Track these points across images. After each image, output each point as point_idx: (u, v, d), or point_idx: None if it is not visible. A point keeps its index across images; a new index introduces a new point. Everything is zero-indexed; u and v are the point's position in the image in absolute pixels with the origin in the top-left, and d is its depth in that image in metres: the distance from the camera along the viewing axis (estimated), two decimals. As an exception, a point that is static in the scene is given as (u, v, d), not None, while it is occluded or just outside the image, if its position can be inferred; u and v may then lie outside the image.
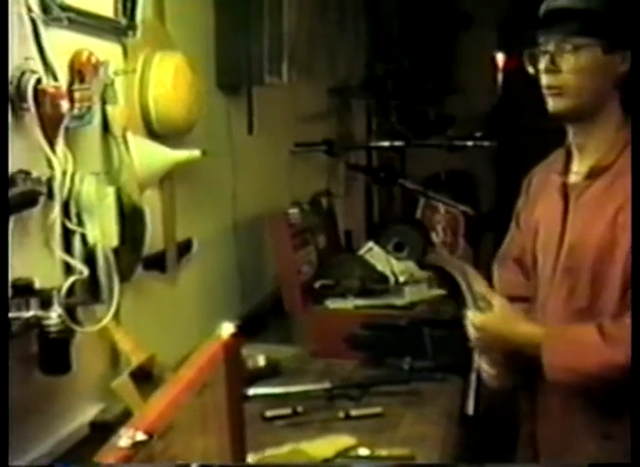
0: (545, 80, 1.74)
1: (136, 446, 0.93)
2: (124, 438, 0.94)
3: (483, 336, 1.80)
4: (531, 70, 1.77)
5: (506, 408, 2.00)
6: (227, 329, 1.41)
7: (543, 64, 1.73)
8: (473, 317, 1.80)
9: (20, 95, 1.54)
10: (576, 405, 1.75)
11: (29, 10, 1.57)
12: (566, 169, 1.83)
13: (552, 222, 1.81)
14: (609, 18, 1.70)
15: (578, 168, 1.80)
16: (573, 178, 1.81)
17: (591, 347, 1.66)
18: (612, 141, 1.74)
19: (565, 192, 1.80)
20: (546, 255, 1.83)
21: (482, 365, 1.89)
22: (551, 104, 1.74)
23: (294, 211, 2.85)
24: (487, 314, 1.79)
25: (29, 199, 1.58)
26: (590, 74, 1.70)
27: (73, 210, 1.71)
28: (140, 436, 0.95)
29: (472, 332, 1.81)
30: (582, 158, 1.80)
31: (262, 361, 2.37)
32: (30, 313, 1.56)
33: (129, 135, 1.90)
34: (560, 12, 1.72)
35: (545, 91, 1.75)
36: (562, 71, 1.71)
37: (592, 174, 1.75)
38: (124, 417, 1.59)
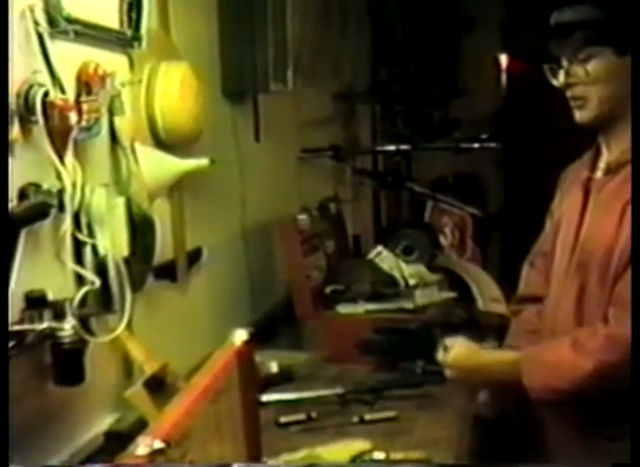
0: (567, 93, 1.76)
1: (154, 453, 0.94)
2: (142, 446, 0.94)
3: (458, 373, 1.84)
4: (555, 83, 1.78)
5: (520, 409, 1.99)
6: (239, 336, 1.41)
7: (561, 78, 1.74)
8: (442, 358, 1.84)
9: (29, 108, 1.54)
10: (577, 408, 1.75)
11: (36, 23, 1.58)
12: (594, 165, 1.84)
13: (572, 217, 1.82)
14: (615, 24, 1.70)
15: (603, 165, 1.82)
16: (598, 174, 1.82)
17: (566, 364, 1.68)
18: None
19: (587, 187, 1.81)
20: (563, 250, 1.84)
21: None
22: (577, 115, 1.76)
23: (302, 217, 2.85)
24: (452, 352, 1.83)
25: (40, 212, 1.59)
26: (608, 80, 1.70)
27: (84, 221, 1.72)
28: (158, 444, 0.95)
29: (447, 373, 1.86)
30: (608, 155, 1.81)
31: (274, 367, 2.37)
32: (44, 325, 1.56)
33: (137, 146, 1.91)
34: (567, 26, 1.72)
35: (570, 103, 1.76)
36: (578, 83, 1.72)
37: (611, 170, 1.77)
38: (139, 427, 1.60)
